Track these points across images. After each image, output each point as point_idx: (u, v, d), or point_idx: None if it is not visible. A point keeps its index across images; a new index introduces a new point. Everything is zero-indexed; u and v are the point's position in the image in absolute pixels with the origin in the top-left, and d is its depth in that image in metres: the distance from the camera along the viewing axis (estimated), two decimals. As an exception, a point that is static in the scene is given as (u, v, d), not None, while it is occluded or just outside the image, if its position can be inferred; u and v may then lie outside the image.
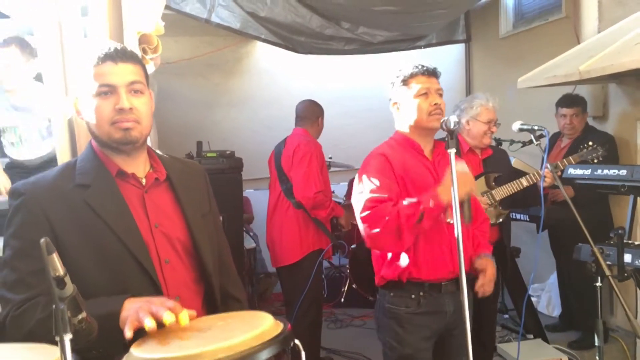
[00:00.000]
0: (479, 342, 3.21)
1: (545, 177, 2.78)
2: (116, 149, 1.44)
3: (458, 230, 1.80)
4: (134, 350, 1.14)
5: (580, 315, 3.92)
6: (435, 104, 2.11)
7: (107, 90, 1.38)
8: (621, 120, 3.98)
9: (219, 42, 5.67)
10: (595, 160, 3.01)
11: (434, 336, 2.16)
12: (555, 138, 4.02)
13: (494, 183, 3.06)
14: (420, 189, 2.08)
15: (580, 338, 3.92)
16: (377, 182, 2.07)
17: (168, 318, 1.19)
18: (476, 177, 3.07)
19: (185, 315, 1.22)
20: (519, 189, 3.00)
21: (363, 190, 2.09)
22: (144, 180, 1.48)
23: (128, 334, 1.18)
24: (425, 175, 2.16)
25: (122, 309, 1.24)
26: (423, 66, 2.16)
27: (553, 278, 4.50)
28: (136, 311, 1.21)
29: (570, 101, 3.90)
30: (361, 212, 2.04)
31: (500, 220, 3.06)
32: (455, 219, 1.80)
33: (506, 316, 4.58)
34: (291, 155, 3.57)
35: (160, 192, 1.50)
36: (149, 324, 1.17)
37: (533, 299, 4.63)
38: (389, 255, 2.14)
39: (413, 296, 2.11)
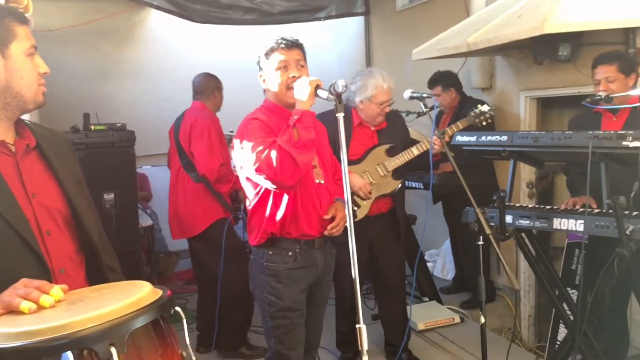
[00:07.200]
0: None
1: (434, 144, 2.88)
2: (14, 114, 1.39)
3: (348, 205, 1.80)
4: None
5: (471, 276, 4.15)
6: (292, 77, 2.17)
7: (34, 52, 1.40)
8: (505, 91, 4.21)
9: (109, 8, 5.30)
10: (484, 123, 3.14)
11: (307, 288, 2.32)
12: (442, 111, 4.19)
13: (386, 154, 3.11)
14: None
15: (470, 298, 4.16)
16: (258, 137, 2.13)
17: (46, 300, 1.13)
18: (369, 150, 3.11)
19: (57, 290, 1.17)
20: (411, 158, 3.08)
21: (247, 150, 2.14)
22: (13, 148, 1.37)
23: None
24: None
25: None
26: (283, 39, 2.21)
27: (447, 243, 4.74)
28: (3, 302, 1.14)
29: (430, 82, 4.13)
30: (254, 165, 2.07)
31: (395, 189, 3.13)
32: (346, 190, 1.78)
33: (404, 281, 4.76)
34: (188, 130, 3.51)
35: (32, 160, 1.42)
36: (27, 305, 1.11)
37: (429, 264, 4.85)
38: (267, 212, 2.23)
39: (290, 253, 2.25)
